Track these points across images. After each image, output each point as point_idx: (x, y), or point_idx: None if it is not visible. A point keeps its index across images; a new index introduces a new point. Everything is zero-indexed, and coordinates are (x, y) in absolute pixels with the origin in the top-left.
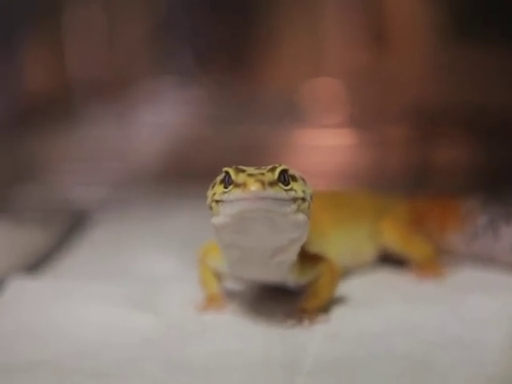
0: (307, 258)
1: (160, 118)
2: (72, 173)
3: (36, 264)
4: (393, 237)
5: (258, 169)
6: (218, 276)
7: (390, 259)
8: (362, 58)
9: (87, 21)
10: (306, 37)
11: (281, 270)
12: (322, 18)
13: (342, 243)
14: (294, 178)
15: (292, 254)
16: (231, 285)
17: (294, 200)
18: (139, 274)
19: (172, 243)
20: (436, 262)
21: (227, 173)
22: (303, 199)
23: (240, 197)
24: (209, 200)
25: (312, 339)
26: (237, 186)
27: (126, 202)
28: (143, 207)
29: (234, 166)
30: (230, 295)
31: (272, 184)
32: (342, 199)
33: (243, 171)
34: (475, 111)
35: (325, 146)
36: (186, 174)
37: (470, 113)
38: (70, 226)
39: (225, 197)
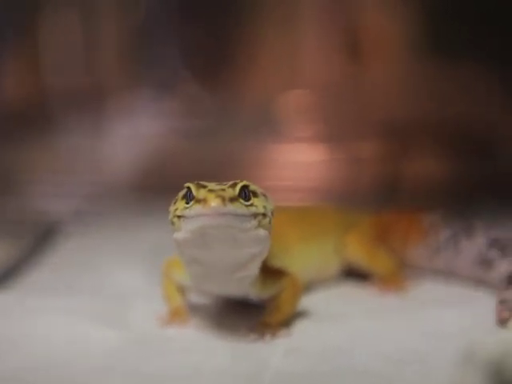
0: (269, 272)
1: (135, 130)
2: (45, 184)
3: (3, 277)
4: (356, 251)
5: (219, 184)
6: (182, 290)
7: (353, 273)
8: (337, 71)
9: (64, 31)
10: (282, 50)
11: (243, 285)
12: (297, 32)
13: (307, 257)
14: (255, 194)
15: (253, 269)
16: (195, 299)
17: (255, 216)
18: (106, 288)
19: (142, 257)
20: (399, 276)
21: (188, 188)
22: (264, 215)
23: (200, 212)
24: (171, 215)
25: (274, 353)
26: (198, 201)
27: (99, 215)
28: (115, 220)
29: (195, 182)
30: (194, 309)
31: (232, 200)
32: (306, 214)
33: (204, 187)
34: (447, 127)
35: (298, 160)
36: (160, 187)
37: (442, 128)
38: (41, 238)
39: (186, 212)
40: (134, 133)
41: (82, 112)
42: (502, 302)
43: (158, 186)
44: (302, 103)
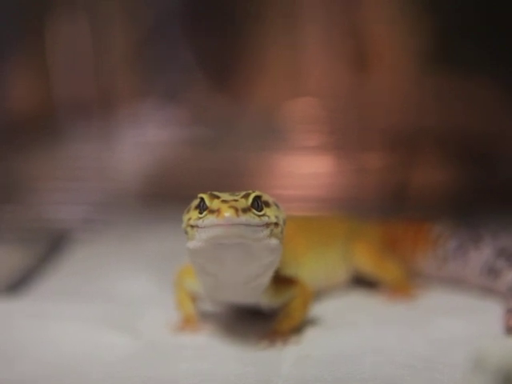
0: (280, 281)
1: (143, 138)
2: (54, 192)
3: (15, 284)
4: (365, 260)
5: (232, 195)
6: (194, 298)
7: (362, 282)
8: (343, 81)
9: (72, 40)
10: (288, 59)
11: (254, 294)
12: (303, 40)
13: (315, 266)
14: (267, 204)
15: (265, 278)
16: (207, 306)
17: (267, 225)
18: (117, 295)
19: (151, 265)
20: (407, 285)
21: (202, 199)
22: (276, 224)
23: (214, 223)
24: (184, 224)
25: (284, 361)
26: (211, 212)
27: (107, 223)
28: (124, 228)
29: (208, 192)
30: (206, 317)
31: (245, 210)
32: (315, 223)
33: (217, 197)
34: (453, 136)
35: (304, 169)
36: (168, 195)
37: (448, 138)
38: (50, 246)
39: (199, 222)
40: (141, 141)
41: (90, 120)
42: (510, 311)
43: (165, 194)
44: (307, 112)
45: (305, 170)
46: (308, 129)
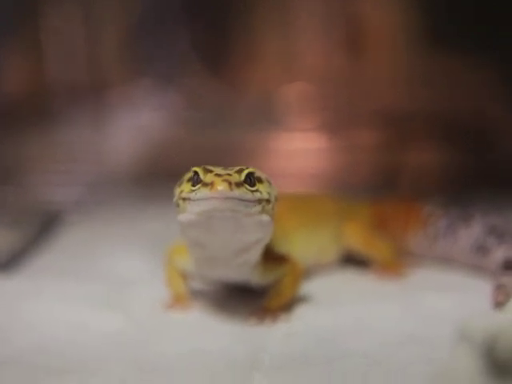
0: (271, 258)
1: (136, 121)
2: (47, 174)
3: (7, 263)
4: (355, 238)
5: (226, 170)
6: (184, 276)
7: (353, 260)
8: (337, 62)
9: (65, 24)
10: (282, 42)
11: (244, 270)
12: (297, 24)
13: (306, 244)
14: (260, 180)
15: (255, 254)
16: (197, 284)
17: (259, 201)
18: (109, 274)
19: (144, 244)
20: (397, 263)
21: (196, 172)
22: (268, 201)
23: (207, 195)
24: (176, 197)
25: (272, 337)
26: (204, 185)
27: (101, 204)
28: (117, 209)
29: (202, 166)
30: (196, 295)
31: (238, 185)
32: (306, 202)
33: (211, 171)
34: (445, 117)
35: (298, 149)
36: (161, 177)
37: (440, 118)
38: (44, 226)
39: (192, 195)
40: (135, 124)
41: (83, 103)
42: (499, 287)
43: (158, 177)
44: (301, 94)
45: (299, 150)
46: (302, 110)
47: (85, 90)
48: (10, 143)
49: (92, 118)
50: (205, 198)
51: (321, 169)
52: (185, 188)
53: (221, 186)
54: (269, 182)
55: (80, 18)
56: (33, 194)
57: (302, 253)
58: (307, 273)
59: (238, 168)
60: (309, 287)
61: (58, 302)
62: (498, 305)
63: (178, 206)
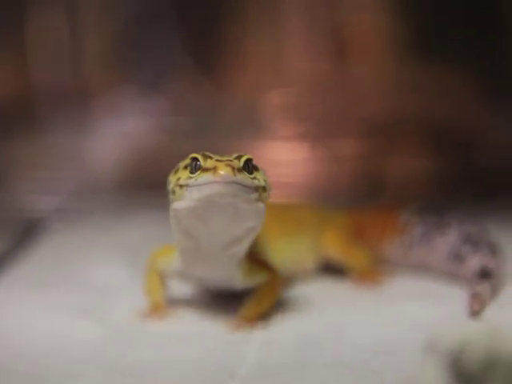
0: (255, 261)
1: (121, 127)
2: (30, 181)
3: None
4: (334, 247)
5: (224, 156)
6: (164, 283)
7: (331, 269)
8: (322, 70)
9: (51, 29)
10: (267, 49)
11: (230, 265)
12: (283, 31)
13: (284, 253)
14: (257, 168)
15: (244, 245)
16: (175, 293)
17: (257, 188)
18: (88, 283)
19: (125, 253)
20: (374, 272)
21: (195, 158)
22: (264, 188)
23: (210, 180)
24: (172, 185)
25: (249, 346)
26: (205, 170)
27: (83, 212)
28: (99, 217)
29: (201, 152)
30: (175, 303)
31: (240, 170)
32: (285, 210)
33: (211, 157)
34: (429, 125)
35: (282, 158)
36: (145, 185)
37: (423, 127)
38: (25, 234)
39: (191, 181)
40: (119, 130)
41: (67, 109)
42: (474, 296)
43: (142, 184)
44: (286, 101)
45: (282, 159)
46: (287, 118)
47: (70, 95)
48: None
49: (76, 123)
50: (207, 182)
51: (303, 177)
52: (182, 175)
53: (224, 171)
54: (263, 171)
55: (66, 24)
56: (14, 200)
57: (282, 261)
58: (286, 282)
59: (236, 155)
60: (287, 295)
61: (37, 310)
62: (474, 313)
63: (173, 193)
